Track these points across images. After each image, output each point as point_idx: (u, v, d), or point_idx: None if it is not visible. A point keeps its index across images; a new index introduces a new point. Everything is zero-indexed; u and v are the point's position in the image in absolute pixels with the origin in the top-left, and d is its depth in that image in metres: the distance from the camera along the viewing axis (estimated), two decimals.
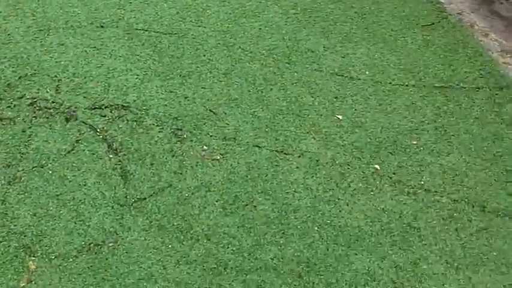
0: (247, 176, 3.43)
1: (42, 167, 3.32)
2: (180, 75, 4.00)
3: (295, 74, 4.13)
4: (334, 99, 3.96)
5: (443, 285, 3.07)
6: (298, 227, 3.20)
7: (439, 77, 4.22)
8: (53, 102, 3.70)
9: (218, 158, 3.51)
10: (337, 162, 3.56)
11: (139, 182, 3.32)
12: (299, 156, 3.58)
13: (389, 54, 4.38)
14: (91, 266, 2.93)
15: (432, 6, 4.92)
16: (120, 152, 3.46)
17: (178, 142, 3.57)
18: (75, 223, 3.08)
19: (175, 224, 3.15)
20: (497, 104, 4.08)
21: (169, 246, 3.05)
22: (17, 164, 3.33)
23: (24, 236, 3.01)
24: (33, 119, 3.58)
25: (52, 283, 2.85)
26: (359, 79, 4.13)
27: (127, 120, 3.65)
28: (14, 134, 3.48)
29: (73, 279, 2.88)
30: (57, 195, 3.20)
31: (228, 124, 3.72)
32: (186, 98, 3.85)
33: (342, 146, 3.65)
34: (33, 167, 3.32)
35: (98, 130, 3.56)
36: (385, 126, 3.82)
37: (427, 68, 4.29)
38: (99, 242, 3.03)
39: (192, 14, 4.51)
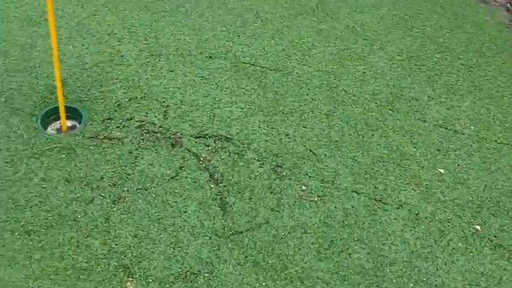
0: (343, 222, 3.40)
1: (146, 190, 3.41)
2: (282, 112, 4.04)
3: (398, 121, 4.10)
4: (437, 152, 3.89)
5: None
6: (394, 281, 3.15)
7: None
8: (160, 126, 3.80)
9: (316, 199, 3.51)
10: (436, 218, 3.48)
11: (237, 215, 3.35)
12: (398, 208, 3.53)
13: (496, 110, 4.28)
14: None
15: None
16: (220, 182, 3.51)
17: (278, 179, 3.59)
18: (174, 249, 3.14)
19: (270, 262, 3.15)
20: None
21: (263, 284, 3.05)
22: (122, 184, 3.43)
23: (124, 256, 3.09)
24: (141, 141, 3.69)
25: None
26: (463, 133, 4.05)
27: (229, 152, 3.70)
28: (121, 154, 3.59)
29: None
30: (159, 219, 3.27)
31: (327, 166, 3.71)
32: (287, 135, 3.88)
33: (443, 201, 3.58)
34: (137, 189, 3.41)
35: (201, 159, 3.63)
36: (488, 185, 3.72)
37: None
38: (195, 271, 3.06)
39: (298, 52, 4.56)
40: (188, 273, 3.05)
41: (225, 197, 3.44)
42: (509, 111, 4.29)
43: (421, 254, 3.28)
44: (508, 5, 5.47)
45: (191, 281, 3.02)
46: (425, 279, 3.17)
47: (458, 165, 3.83)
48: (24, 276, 2.95)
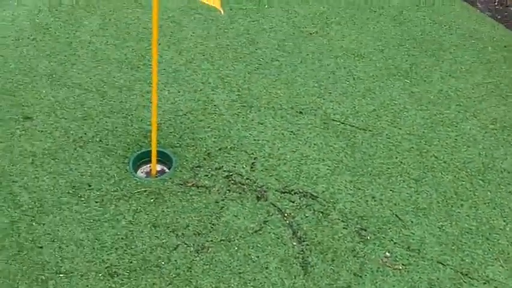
0: None
1: (229, 241, 3.43)
2: (370, 174, 3.99)
3: (489, 193, 3.97)
4: None
5: None
6: None
7: None
8: (247, 178, 3.83)
9: (400, 268, 3.42)
10: None
11: (318, 277, 3.31)
12: (484, 283, 3.39)
13: None
14: None
15: None
16: (303, 241, 3.49)
17: (361, 242, 3.53)
18: None
19: None
20: None
21: None
22: (206, 233, 3.46)
23: None
24: (227, 191, 3.73)
25: None
26: None
27: (314, 210, 3.68)
28: (207, 203, 3.63)
29: None
30: (240, 273, 3.26)
31: (413, 233, 3.62)
32: (373, 198, 3.82)
33: None
34: (221, 240, 3.43)
35: (286, 215, 3.62)
36: None
37: None
38: None
39: (389, 113, 4.52)
40: None
41: (307, 256, 3.40)
42: None
43: None
44: None
45: None
46: None
47: None
48: None
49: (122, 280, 3.18)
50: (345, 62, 4.99)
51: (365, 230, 3.61)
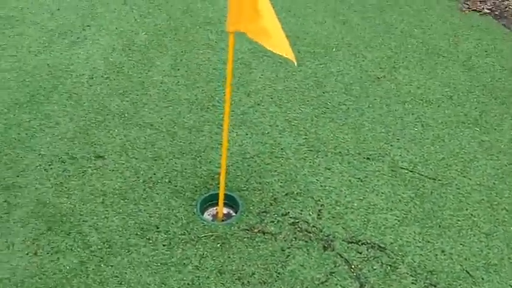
0: None
1: None
2: (439, 226, 3.91)
3: None
4: None
5: None
6: None
7: None
8: (314, 226, 3.81)
9: None
10: None
11: None
12: None
13: None
14: None
15: None
16: None
17: None
18: None
19: None
20: None
21: None
22: (272, 283, 3.44)
23: None
24: (293, 239, 3.71)
25: None
26: None
27: (382, 262, 3.62)
28: (274, 251, 3.62)
29: None
30: None
31: None
32: (443, 251, 3.74)
33: None
34: None
35: (353, 266, 3.58)
36: None
37: None
38: None
39: (459, 162, 4.43)
40: None
41: None
42: None
43: None
44: None
45: None
46: None
47: None
48: None
49: None
50: (413, 107, 4.94)
51: (435, 286, 3.52)
